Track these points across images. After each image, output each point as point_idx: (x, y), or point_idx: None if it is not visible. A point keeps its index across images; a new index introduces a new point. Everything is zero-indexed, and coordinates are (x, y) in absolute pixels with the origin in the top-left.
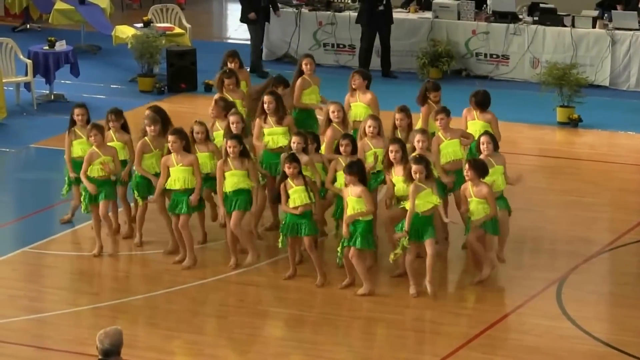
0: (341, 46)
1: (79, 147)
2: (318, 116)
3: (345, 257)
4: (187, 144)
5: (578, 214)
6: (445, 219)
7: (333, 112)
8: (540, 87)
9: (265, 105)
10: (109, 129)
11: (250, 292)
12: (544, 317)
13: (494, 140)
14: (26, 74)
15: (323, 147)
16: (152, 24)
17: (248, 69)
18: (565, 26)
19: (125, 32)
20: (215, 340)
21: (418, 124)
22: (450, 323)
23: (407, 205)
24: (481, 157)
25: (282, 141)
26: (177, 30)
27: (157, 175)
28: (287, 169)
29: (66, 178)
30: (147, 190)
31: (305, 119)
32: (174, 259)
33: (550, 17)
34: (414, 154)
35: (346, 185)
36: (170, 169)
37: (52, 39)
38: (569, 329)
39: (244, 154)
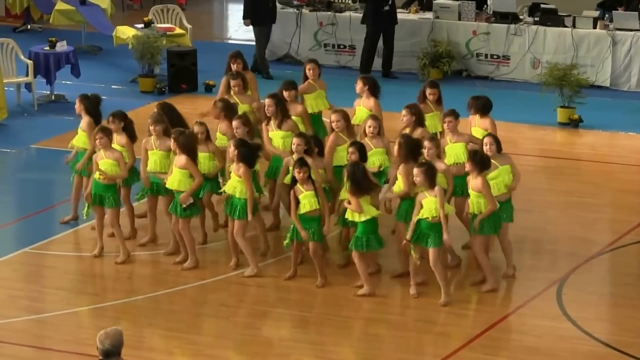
0: (342, 47)
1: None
2: (325, 120)
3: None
4: (188, 144)
5: (578, 214)
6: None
7: (334, 121)
8: (540, 88)
9: (265, 109)
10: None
11: (250, 292)
12: (544, 318)
13: (497, 142)
14: (27, 75)
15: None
16: (152, 25)
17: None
18: (566, 27)
19: (126, 32)
20: (216, 341)
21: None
22: (450, 324)
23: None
24: None
25: (281, 145)
26: (178, 30)
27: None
28: (297, 174)
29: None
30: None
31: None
32: (175, 259)
33: (551, 18)
34: (420, 161)
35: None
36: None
37: (53, 39)
38: (570, 329)
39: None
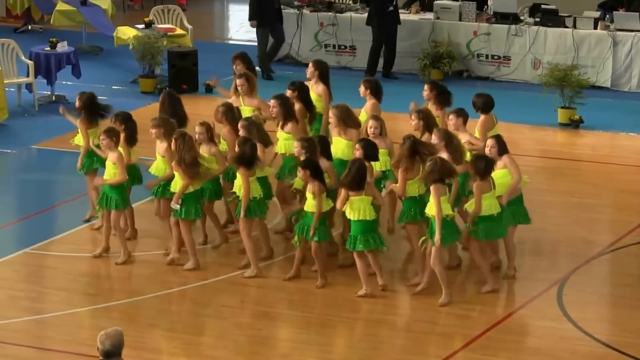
0: (342, 47)
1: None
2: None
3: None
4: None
5: (579, 215)
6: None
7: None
8: (541, 88)
9: (270, 109)
10: None
11: (251, 293)
12: (544, 319)
13: (499, 144)
14: (28, 75)
15: None
16: (153, 25)
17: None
18: (566, 27)
19: (126, 33)
20: (216, 341)
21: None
22: (451, 324)
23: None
24: None
25: (282, 147)
26: (179, 31)
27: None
28: (299, 175)
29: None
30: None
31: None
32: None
33: (551, 18)
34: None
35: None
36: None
37: (54, 40)
38: (570, 330)
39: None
